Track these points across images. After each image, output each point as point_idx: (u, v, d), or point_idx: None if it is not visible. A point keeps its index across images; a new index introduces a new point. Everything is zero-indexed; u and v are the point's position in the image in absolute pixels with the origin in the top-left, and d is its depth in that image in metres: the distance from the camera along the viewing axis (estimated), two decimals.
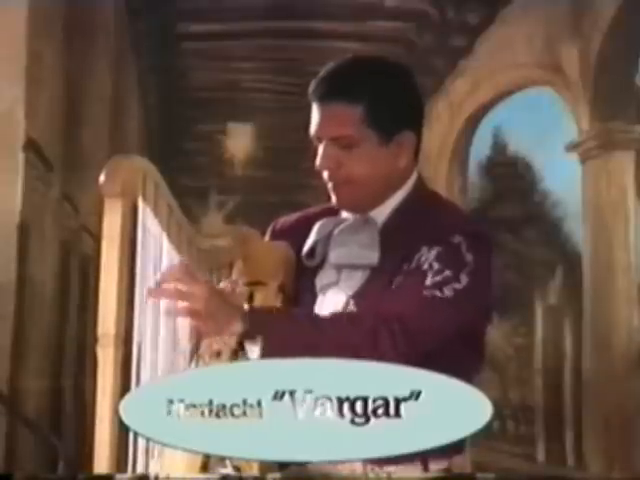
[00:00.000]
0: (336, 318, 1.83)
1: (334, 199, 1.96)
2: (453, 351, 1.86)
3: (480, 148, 7.69)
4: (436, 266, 1.82)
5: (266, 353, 1.75)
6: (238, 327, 1.74)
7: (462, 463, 1.92)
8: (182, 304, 1.71)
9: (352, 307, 1.91)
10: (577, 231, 7.02)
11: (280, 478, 1.88)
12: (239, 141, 8.13)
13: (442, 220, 1.91)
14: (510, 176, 7.48)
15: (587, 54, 6.71)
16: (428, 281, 1.81)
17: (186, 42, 7.75)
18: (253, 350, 1.76)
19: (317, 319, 1.82)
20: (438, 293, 1.80)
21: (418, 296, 1.80)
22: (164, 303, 1.75)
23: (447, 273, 1.81)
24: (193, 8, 7.42)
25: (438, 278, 1.81)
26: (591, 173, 6.83)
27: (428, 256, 1.83)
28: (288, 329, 1.77)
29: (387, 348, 1.76)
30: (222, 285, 2.00)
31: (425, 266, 1.82)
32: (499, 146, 7.58)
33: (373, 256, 1.90)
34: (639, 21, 6.49)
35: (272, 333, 1.75)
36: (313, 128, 1.93)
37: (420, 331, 1.80)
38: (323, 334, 1.77)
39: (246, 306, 1.81)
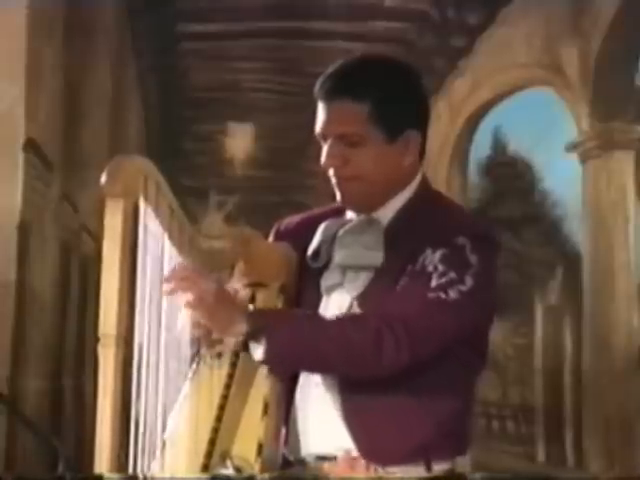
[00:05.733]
0: (340, 320, 1.83)
1: (339, 196, 1.95)
2: (456, 352, 1.86)
3: (480, 148, 7.69)
4: (441, 268, 1.81)
5: (269, 354, 1.75)
6: (242, 327, 1.75)
7: (464, 464, 1.92)
8: (191, 297, 1.72)
9: (356, 308, 1.90)
10: (577, 231, 7.01)
11: (282, 478, 1.88)
12: (239, 141, 8.13)
13: (446, 221, 1.90)
14: (510, 176, 7.48)
15: (587, 54, 6.71)
16: (433, 283, 1.80)
17: (186, 42, 7.75)
18: (257, 351, 1.76)
19: (321, 321, 1.82)
20: (443, 295, 1.80)
21: (423, 298, 1.80)
22: (174, 297, 1.76)
23: (452, 275, 1.80)
24: (193, 8, 7.42)
25: (443, 280, 1.80)
26: (591, 173, 6.83)
27: (433, 258, 1.82)
28: (291, 331, 1.77)
29: (390, 351, 1.75)
30: None
31: (430, 268, 1.82)
32: (499, 146, 7.58)
33: (377, 257, 1.90)
34: (639, 21, 6.48)
35: (275, 335, 1.75)
36: (319, 126, 1.92)
37: (424, 333, 1.79)
38: (327, 336, 1.77)
39: (251, 307, 1.81)
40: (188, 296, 1.74)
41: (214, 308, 1.74)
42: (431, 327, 1.80)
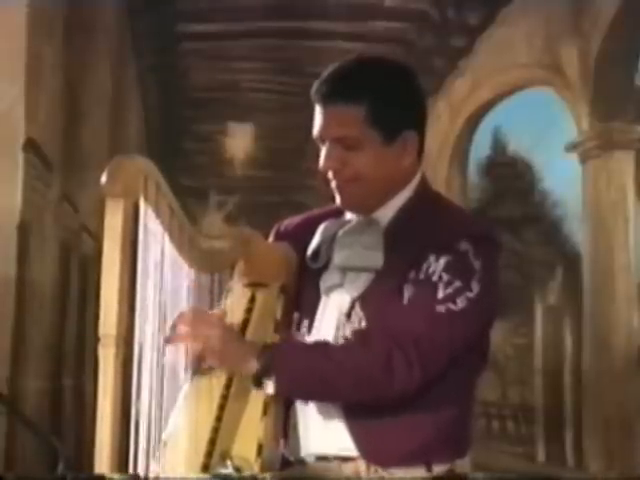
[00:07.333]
0: (349, 346, 1.83)
1: (338, 199, 1.95)
2: (459, 355, 1.85)
3: (480, 148, 7.70)
4: (446, 277, 1.80)
5: (279, 390, 1.76)
6: (253, 365, 1.76)
7: (463, 465, 1.92)
8: (199, 346, 1.74)
9: (357, 309, 1.90)
10: (577, 231, 7.02)
11: (282, 478, 1.88)
12: (239, 141, 8.13)
13: (447, 224, 1.89)
14: (510, 176, 7.49)
15: (587, 54, 6.71)
16: (440, 294, 1.80)
17: (186, 42, 7.75)
18: (267, 386, 1.77)
19: (329, 350, 1.81)
20: (452, 306, 1.79)
21: (431, 313, 1.79)
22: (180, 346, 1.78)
23: (458, 284, 1.80)
24: (193, 8, 7.42)
25: (450, 290, 1.80)
26: (591, 173, 6.83)
27: (437, 266, 1.82)
28: (300, 365, 1.78)
29: (402, 372, 1.76)
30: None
31: (435, 277, 1.81)
32: (499, 146, 7.59)
33: (378, 258, 1.89)
34: (639, 21, 6.49)
35: (284, 371, 1.77)
36: (316, 129, 1.92)
37: (435, 350, 1.79)
38: (336, 366, 1.77)
39: (260, 344, 1.82)
40: (196, 345, 1.76)
41: (223, 352, 1.78)
42: (442, 342, 1.80)
